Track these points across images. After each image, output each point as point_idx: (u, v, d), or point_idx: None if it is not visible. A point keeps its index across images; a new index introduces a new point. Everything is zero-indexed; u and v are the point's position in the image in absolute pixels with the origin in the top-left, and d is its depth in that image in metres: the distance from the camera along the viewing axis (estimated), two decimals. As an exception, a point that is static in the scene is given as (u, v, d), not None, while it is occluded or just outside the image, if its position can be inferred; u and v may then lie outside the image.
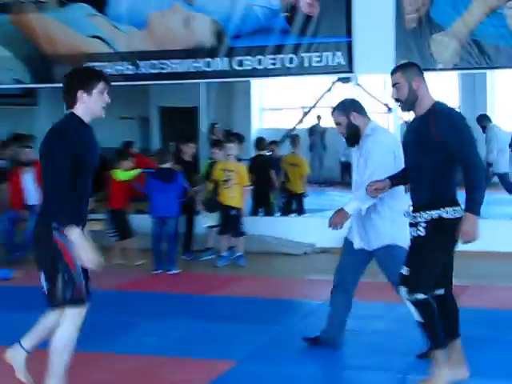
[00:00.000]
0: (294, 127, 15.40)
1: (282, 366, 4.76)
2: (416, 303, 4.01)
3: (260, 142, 10.59)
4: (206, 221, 8.93)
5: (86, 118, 3.95)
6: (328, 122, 17.24)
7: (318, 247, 9.24)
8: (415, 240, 4.10)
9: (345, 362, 5.01)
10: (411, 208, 4.17)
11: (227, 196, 8.51)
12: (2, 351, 4.25)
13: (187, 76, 9.69)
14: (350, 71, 9.15)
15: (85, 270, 3.93)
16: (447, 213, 3.97)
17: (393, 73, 4.16)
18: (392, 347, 5.11)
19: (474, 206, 3.89)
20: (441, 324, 4.07)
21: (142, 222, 8.70)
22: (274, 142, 11.08)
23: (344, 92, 14.75)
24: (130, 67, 9.76)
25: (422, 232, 4.03)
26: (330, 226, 4.74)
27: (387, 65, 8.75)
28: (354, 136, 4.81)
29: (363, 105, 4.96)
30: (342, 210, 4.71)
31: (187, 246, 8.95)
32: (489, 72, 12.98)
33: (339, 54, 9.09)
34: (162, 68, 9.67)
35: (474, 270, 7.63)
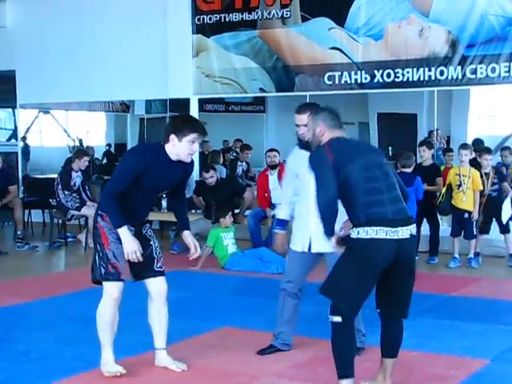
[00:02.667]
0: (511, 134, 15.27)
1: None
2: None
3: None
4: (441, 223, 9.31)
5: (172, 157, 4.57)
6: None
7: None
8: None
9: None
10: None
11: (460, 200, 8.84)
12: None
13: (420, 84, 10.09)
14: None
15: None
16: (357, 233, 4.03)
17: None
18: None
19: None
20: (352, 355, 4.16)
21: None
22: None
23: None
24: (366, 76, 10.33)
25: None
26: None
27: None
28: None
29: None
30: None
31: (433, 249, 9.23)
32: None
33: None
34: (397, 77, 10.15)
35: None
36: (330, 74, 10.50)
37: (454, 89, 10.97)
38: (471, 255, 8.88)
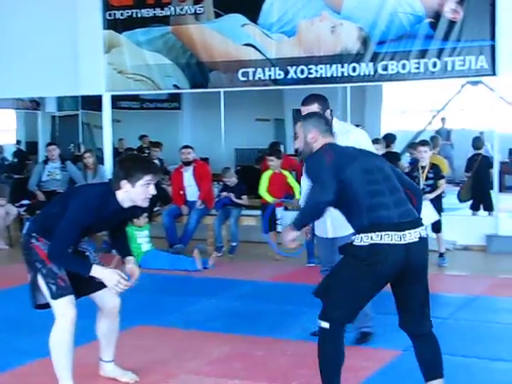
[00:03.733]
0: (424, 129, 15.68)
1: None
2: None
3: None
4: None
5: (125, 204, 4.17)
6: (454, 123, 17.47)
7: (460, 244, 9.60)
8: None
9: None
10: None
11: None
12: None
13: (333, 80, 10.20)
14: (493, 74, 9.41)
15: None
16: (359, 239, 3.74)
17: (295, 122, 4.19)
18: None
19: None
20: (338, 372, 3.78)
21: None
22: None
23: (473, 94, 15.06)
24: (280, 72, 10.38)
25: None
26: None
27: (532, 67, 9.07)
28: None
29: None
30: None
31: None
32: None
33: (482, 57, 9.37)
34: (310, 73, 10.23)
35: None
36: (244, 70, 10.49)
37: (366, 85, 11.15)
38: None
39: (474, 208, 10.80)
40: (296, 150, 4.41)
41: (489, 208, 10.29)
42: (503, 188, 14.78)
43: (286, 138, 16.36)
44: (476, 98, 15.89)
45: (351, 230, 4.58)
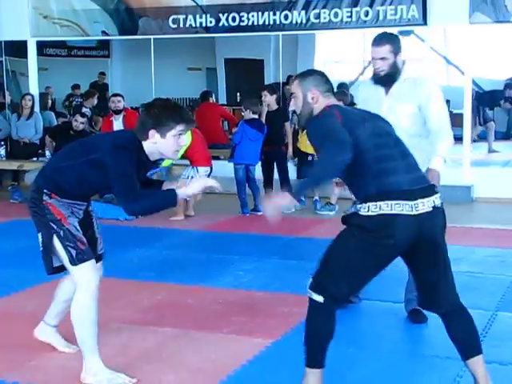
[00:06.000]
0: (356, 79, 15.73)
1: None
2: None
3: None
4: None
5: (153, 157, 3.73)
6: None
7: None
8: None
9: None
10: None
11: (305, 143, 8.96)
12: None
13: (265, 28, 10.10)
14: (424, 24, 9.46)
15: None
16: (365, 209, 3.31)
17: (292, 81, 3.70)
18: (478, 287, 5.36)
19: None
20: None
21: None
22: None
23: (405, 44, 15.13)
24: (211, 20, 10.21)
25: None
26: None
27: (461, 17, 9.15)
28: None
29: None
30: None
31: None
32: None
33: (413, 6, 9.40)
34: (242, 20, 10.09)
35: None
36: (175, 17, 10.30)
37: (299, 33, 11.08)
38: (316, 197, 9.05)
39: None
40: (294, 112, 4.14)
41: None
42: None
43: (217, 88, 16.22)
44: (408, 48, 16.02)
45: None
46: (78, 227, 3.73)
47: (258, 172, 8.95)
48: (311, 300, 3.36)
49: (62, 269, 3.81)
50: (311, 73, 3.66)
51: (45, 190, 3.72)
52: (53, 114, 11.83)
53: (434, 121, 4.45)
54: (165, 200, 3.65)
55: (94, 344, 3.75)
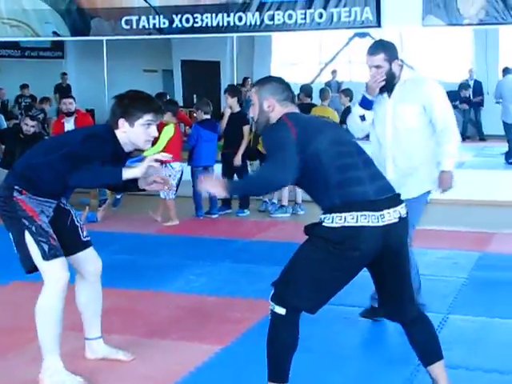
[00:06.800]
0: (313, 81, 15.77)
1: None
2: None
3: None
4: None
5: (127, 147, 3.78)
6: (344, 76, 17.65)
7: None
8: None
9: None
10: None
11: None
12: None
13: (219, 30, 10.03)
14: (378, 26, 9.49)
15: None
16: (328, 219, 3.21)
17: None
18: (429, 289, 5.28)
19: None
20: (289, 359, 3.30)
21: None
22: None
23: (361, 46, 15.24)
24: (164, 21, 10.11)
25: None
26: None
27: (414, 19, 9.20)
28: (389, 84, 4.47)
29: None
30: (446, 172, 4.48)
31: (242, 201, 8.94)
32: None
33: (367, 9, 9.43)
34: (196, 22, 10.02)
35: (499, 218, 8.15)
36: (128, 18, 10.18)
37: (254, 35, 11.10)
38: (271, 200, 8.97)
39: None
40: (252, 119, 4.15)
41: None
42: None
43: (174, 90, 16.14)
44: (364, 50, 16.10)
45: (422, 190, 4.48)
46: (49, 225, 3.68)
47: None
48: (273, 312, 3.28)
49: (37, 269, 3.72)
50: (269, 80, 3.58)
51: (16, 187, 3.66)
52: (2, 116, 11.60)
53: (438, 121, 4.47)
54: (107, 174, 3.67)
55: (54, 344, 3.70)
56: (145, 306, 5.11)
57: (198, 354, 4.19)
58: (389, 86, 4.48)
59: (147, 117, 3.71)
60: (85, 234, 3.95)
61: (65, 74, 15.05)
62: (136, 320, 4.83)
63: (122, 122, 3.70)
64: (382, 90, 4.49)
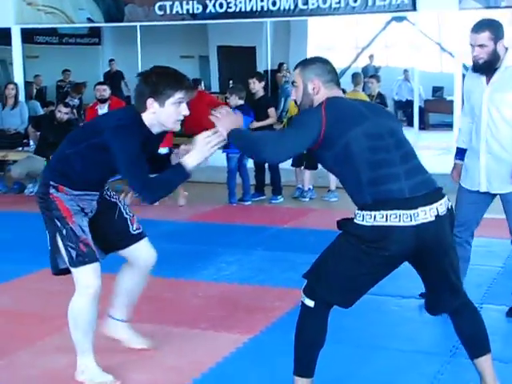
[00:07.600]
0: (349, 66, 15.60)
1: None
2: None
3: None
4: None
5: (154, 129, 3.52)
6: (381, 61, 17.45)
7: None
8: None
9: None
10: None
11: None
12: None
13: (253, 15, 9.93)
14: (414, 9, 9.30)
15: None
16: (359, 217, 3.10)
17: (294, 69, 3.43)
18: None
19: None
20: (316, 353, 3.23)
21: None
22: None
23: (398, 31, 15.02)
24: (198, 6, 10.05)
25: None
26: None
27: (451, 2, 9.00)
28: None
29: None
30: None
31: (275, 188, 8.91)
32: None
33: (403, -8, 9.26)
34: (229, 7, 9.94)
35: None
36: (161, 3, 10.13)
37: (288, 19, 10.91)
38: (306, 187, 8.90)
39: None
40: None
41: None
42: (427, 126, 14.92)
43: (210, 76, 16.11)
44: (401, 34, 15.90)
45: None
46: (86, 227, 3.56)
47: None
48: (303, 304, 3.21)
49: (69, 271, 3.62)
50: (314, 61, 3.37)
51: (51, 183, 3.54)
52: (38, 103, 11.67)
53: None
54: (177, 178, 3.50)
55: (86, 345, 3.64)
56: (173, 295, 5.09)
57: (227, 344, 4.14)
58: (490, 68, 4.21)
59: (179, 95, 3.42)
60: (135, 226, 3.80)
61: (112, 60, 15.03)
62: (164, 308, 4.81)
63: (150, 102, 3.41)
64: (481, 71, 4.22)
